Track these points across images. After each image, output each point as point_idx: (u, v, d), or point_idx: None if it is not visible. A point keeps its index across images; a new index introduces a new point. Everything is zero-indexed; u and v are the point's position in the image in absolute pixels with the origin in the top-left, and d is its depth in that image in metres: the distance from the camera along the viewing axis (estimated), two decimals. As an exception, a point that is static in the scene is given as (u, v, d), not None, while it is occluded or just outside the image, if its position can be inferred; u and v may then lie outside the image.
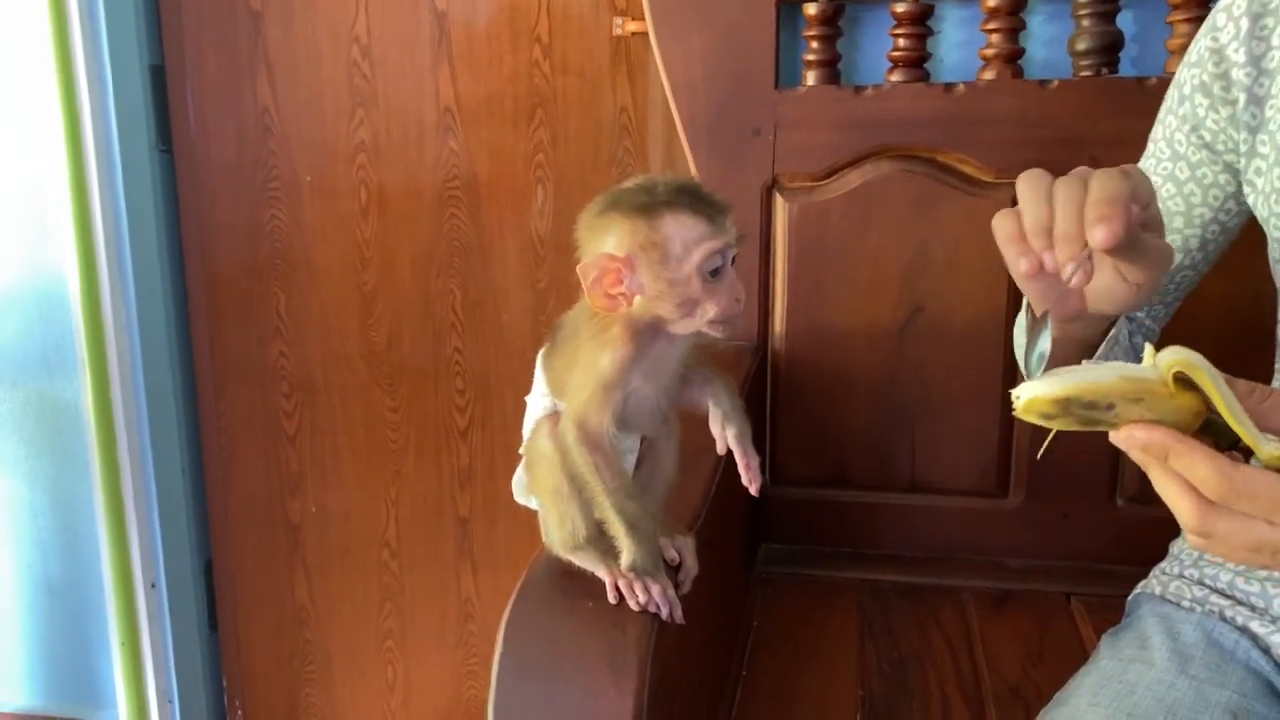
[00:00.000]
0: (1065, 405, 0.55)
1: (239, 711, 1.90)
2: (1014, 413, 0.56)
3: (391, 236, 1.68)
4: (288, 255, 1.71)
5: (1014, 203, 1.27)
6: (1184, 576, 0.89)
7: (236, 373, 1.76)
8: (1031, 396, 0.55)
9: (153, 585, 1.76)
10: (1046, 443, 0.61)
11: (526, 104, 1.60)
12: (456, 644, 1.81)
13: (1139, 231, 0.63)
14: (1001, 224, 0.66)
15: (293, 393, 1.76)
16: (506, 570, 1.77)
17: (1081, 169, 0.65)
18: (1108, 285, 0.66)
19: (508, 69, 1.59)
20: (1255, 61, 0.81)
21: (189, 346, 1.77)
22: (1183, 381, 0.54)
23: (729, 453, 0.78)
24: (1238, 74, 0.82)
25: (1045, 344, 0.62)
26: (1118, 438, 0.55)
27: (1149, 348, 0.57)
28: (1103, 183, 0.62)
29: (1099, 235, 0.60)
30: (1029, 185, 0.65)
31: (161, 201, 1.71)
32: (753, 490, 0.76)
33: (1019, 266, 0.64)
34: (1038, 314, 0.74)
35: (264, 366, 1.75)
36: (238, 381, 1.77)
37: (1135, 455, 0.55)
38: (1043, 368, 0.61)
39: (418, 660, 1.83)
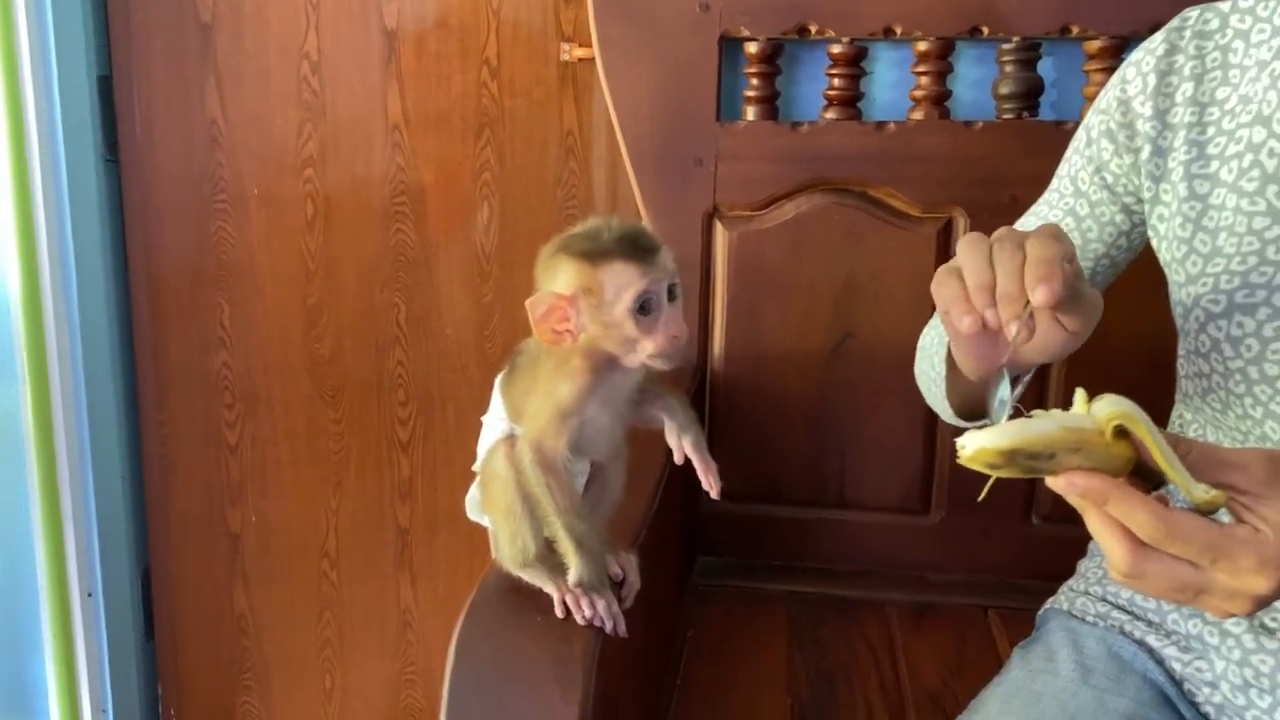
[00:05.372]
0: (1011, 456, 0.59)
1: (174, 720, 1.90)
2: (959, 461, 0.60)
3: (337, 249, 1.70)
4: (233, 266, 1.72)
5: (939, 237, 1.35)
6: (1089, 593, 0.96)
7: (179, 382, 1.77)
8: (979, 447, 0.59)
9: (89, 594, 1.75)
10: (987, 489, 0.64)
11: (474, 123, 1.63)
12: (395, 653, 1.83)
13: (1077, 284, 0.68)
14: (945, 287, 0.69)
15: (235, 403, 1.77)
16: (445, 581, 1.80)
17: (1011, 232, 0.69)
18: (1044, 336, 0.70)
19: (456, 88, 1.62)
20: (1160, 116, 0.87)
21: (131, 355, 1.77)
22: (1119, 431, 0.59)
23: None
24: (1143, 125, 0.88)
25: (1006, 391, 0.66)
26: (1057, 484, 0.59)
27: (1080, 393, 0.61)
28: (1040, 246, 0.66)
29: (1041, 295, 0.64)
30: (970, 249, 0.69)
31: (107, 210, 1.71)
32: (714, 493, 0.81)
33: (962, 325, 0.67)
34: (968, 372, 0.79)
35: (206, 376, 1.76)
36: (180, 391, 1.77)
37: (1074, 500, 0.60)
38: (1006, 413, 0.64)
39: (356, 669, 1.85)
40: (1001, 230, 0.70)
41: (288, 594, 1.83)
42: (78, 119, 1.64)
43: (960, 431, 0.62)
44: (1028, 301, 0.65)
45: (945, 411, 0.94)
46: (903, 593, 1.36)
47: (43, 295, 1.63)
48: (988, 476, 0.62)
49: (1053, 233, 0.68)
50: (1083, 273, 0.73)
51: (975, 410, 0.91)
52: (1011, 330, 0.66)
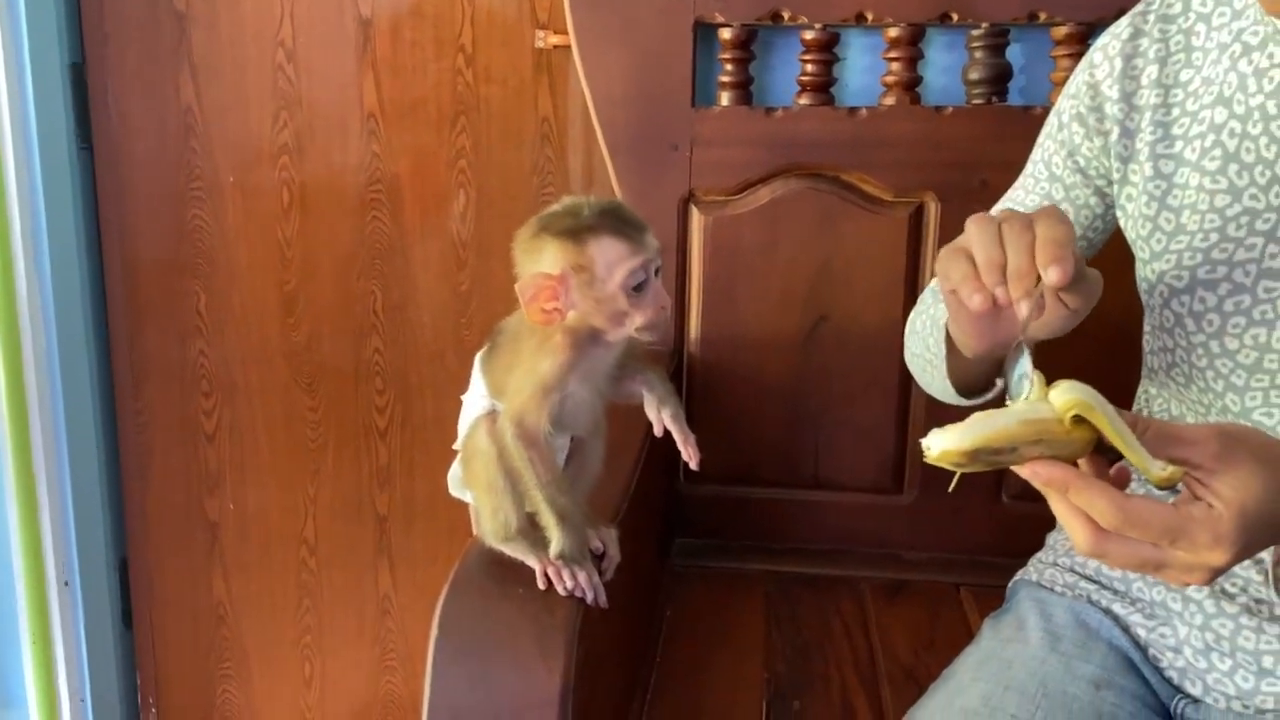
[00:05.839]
0: (974, 454, 0.61)
1: (153, 709, 1.90)
2: (926, 461, 0.62)
3: (313, 238, 1.70)
4: (209, 254, 1.72)
5: (911, 221, 1.37)
6: (1057, 565, 0.99)
7: (155, 370, 1.77)
8: (943, 449, 0.61)
9: (66, 583, 1.75)
10: (954, 481, 0.67)
11: (449, 110, 1.63)
12: (374, 640, 1.84)
13: (1083, 265, 0.70)
14: (954, 265, 0.70)
15: (212, 391, 1.77)
16: (424, 568, 1.80)
17: (1018, 212, 0.71)
18: (1047, 314, 0.72)
19: (431, 76, 1.63)
20: (1127, 98, 0.89)
21: (106, 344, 1.77)
22: (1077, 418, 0.61)
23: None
24: (1111, 108, 0.90)
25: (1027, 366, 0.67)
26: (1022, 472, 0.62)
27: (1039, 379, 0.64)
28: (1050, 226, 0.68)
29: (1053, 274, 0.66)
30: (978, 227, 0.70)
31: (81, 198, 1.70)
32: (693, 464, 0.82)
33: (973, 303, 0.69)
34: (968, 350, 0.81)
35: (183, 365, 1.76)
36: (156, 379, 1.77)
37: (1038, 486, 0.63)
38: (1027, 386, 0.66)
39: (335, 656, 1.85)
40: (1007, 210, 0.72)
41: (266, 582, 1.83)
42: (51, 106, 1.63)
43: (926, 430, 0.64)
44: (1038, 279, 0.67)
45: (946, 391, 0.95)
46: (876, 570, 1.38)
47: (17, 283, 1.63)
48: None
49: (1059, 214, 0.70)
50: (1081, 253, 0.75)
51: (972, 387, 0.92)
52: (1023, 309, 0.68)
